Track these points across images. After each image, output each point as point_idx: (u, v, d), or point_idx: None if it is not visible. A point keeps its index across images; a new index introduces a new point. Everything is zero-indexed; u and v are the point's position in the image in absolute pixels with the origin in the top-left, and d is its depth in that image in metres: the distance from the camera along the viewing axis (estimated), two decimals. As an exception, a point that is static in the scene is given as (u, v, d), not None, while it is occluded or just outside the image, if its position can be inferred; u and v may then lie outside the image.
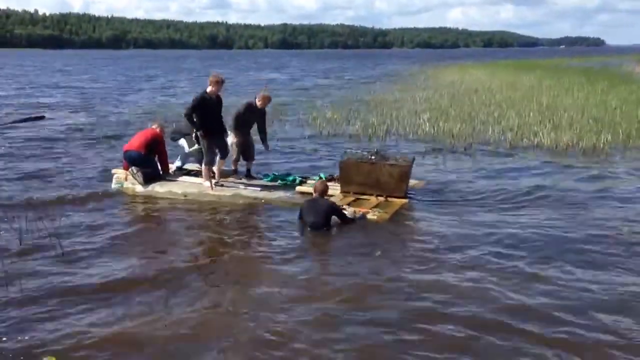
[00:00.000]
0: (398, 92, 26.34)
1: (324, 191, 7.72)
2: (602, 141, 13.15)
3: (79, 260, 6.44)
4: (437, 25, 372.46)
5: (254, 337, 4.78)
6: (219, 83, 8.92)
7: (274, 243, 7.10)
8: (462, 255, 6.57)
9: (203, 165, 9.13)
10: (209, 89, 8.91)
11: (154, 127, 9.72)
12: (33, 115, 11.94)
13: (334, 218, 7.54)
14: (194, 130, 9.00)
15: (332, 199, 8.25)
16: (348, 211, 7.85)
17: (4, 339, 4.72)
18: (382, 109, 19.51)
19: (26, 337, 4.73)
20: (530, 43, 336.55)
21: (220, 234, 7.47)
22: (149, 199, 9.03)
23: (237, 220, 8.06)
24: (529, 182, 10.04)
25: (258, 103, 9.66)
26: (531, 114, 17.11)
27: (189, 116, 8.83)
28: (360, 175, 8.65)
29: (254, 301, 5.46)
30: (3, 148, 13.20)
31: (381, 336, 4.79)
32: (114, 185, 9.49)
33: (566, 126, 14.92)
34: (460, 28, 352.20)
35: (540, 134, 14.00)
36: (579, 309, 5.23)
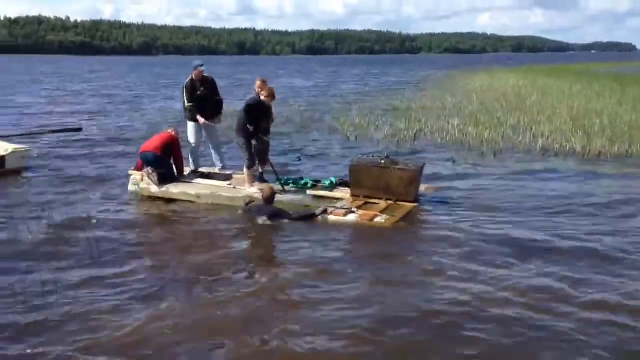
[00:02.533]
0: (426, 97, 26.20)
1: (269, 198, 8.18)
2: (636, 147, 12.88)
3: (110, 262, 6.49)
4: (465, 30, 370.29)
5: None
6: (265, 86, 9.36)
7: (282, 245, 7.20)
8: (463, 264, 6.45)
9: (245, 169, 9.24)
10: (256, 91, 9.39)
11: (170, 131, 9.95)
12: (71, 127, 12.27)
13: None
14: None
15: (342, 202, 8.45)
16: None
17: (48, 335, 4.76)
18: (410, 114, 19.41)
19: (62, 335, 4.76)
20: (560, 48, 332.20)
21: (231, 235, 7.58)
22: (163, 199, 9.19)
23: (249, 222, 8.09)
24: (559, 188, 9.88)
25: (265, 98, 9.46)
26: (562, 120, 16.86)
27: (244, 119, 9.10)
28: (370, 179, 8.67)
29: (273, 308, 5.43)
30: (37, 150, 13.41)
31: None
32: (130, 187, 9.69)
33: (598, 132, 14.67)
34: (489, 33, 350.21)
35: (572, 140, 13.78)
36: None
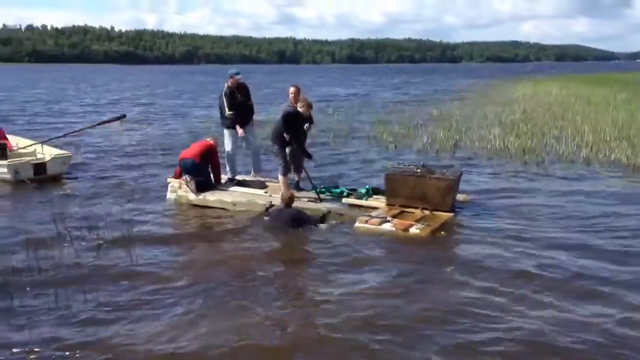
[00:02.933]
0: (467, 106, 25.95)
1: (288, 202, 8.36)
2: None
3: (148, 270, 6.57)
4: (507, 38, 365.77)
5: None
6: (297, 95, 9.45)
7: (318, 252, 7.22)
8: (496, 274, 6.35)
9: (280, 176, 9.32)
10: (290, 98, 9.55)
11: (208, 139, 10.12)
12: (114, 117, 12.66)
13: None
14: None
15: (377, 211, 8.42)
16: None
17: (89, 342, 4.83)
18: (450, 123, 19.21)
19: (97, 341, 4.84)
20: (605, 57, 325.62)
21: (267, 242, 7.64)
22: (200, 207, 9.31)
23: (283, 230, 8.10)
24: (602, 202, 9.54)
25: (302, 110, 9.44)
26: (607, 129, 16.48)
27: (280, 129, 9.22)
28: (405, 189, 8.62)
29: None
30: (80, 158, 13.71)
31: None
32: (169, 194, 9.86)
33: (645, 142, 14.28)
34: (532, 42, 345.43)
35: (617, 151, 13.45)
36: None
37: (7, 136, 12.66)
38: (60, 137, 13.86)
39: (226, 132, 10.22)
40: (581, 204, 9.47)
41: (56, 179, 11.34)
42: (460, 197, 9.16)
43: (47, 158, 11.61)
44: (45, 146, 12.46)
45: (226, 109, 9.98)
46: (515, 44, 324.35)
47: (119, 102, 33.67)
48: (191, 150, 9.84)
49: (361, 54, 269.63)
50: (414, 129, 18.24)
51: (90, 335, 5.01)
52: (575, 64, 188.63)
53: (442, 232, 7.87)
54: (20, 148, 12.53)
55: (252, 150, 10.39)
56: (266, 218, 8.45)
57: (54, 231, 7.81)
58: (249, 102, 10.15)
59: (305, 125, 9.42)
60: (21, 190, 10.68)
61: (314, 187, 9.33)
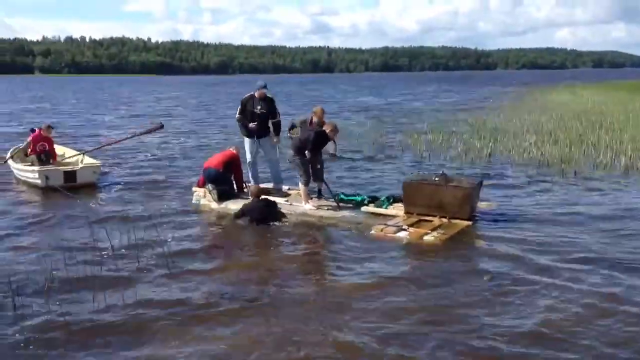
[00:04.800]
0: (502, 114, 25.64)
1: (257, 194, 9.08)
2: None
3: (182, 275, 6.63)
4: (543, 45, 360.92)
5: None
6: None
7: (336, 259, 7.27)
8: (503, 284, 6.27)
9: (301, 186, 9.37)
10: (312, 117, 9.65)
11: (231, 149, 10.33)
12: (153, 126, 13.03)
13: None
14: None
15: (395, 220, 8.50)
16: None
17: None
18: (485, 131, 19.02)
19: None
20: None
21: (284, 251, 7.70)
22: (222, 215, 9.44)
23: (301, 238, 8.21)
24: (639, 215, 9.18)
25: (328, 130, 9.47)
26: (647, 137, 16.12)
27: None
28: (423, 197, 8.60)
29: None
30: (117, 168, 14.02)
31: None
32: (193, 201, 10.10)
33: (686, 150, 13.93)
34: (568, 48, 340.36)
35: (658, 159, 13.14)
36: None
37: (55, 146, 13.05)
38: (99, 147, 14.21)
39: (245, 140, 10.35)
40: (618, 216, 9.13)
41: (87, 187, 11.58)
42: (482, 204, 9.13)
43: (78, 167, 11.89)
44: (86, 156, 12.86)
45: (237, 112, 10.22)
46: (552, 51, 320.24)
47: (150, 114, 34.19)
48: (214, 160, 10.07)
49: (395, 62, 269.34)
50: (448, 137, 18.10)
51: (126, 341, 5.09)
52: (613, 71, 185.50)
53: (451, 241, 7.80)
54: (66, 158, 12.96)
55: (270, 163, 10.47)
56: (239, 221, 8.82)
57: (89, 237, 8.01)
58: (270, 117, 10.11)
59: (332, 148, 9.66)
60: (52, 198, 10.96)
61: (334, 195, 9.40)
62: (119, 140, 15.10)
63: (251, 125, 9.97)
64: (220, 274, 6.81)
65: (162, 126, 13.16)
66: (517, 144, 16.14)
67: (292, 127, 10.15)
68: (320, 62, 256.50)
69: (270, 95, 10.29)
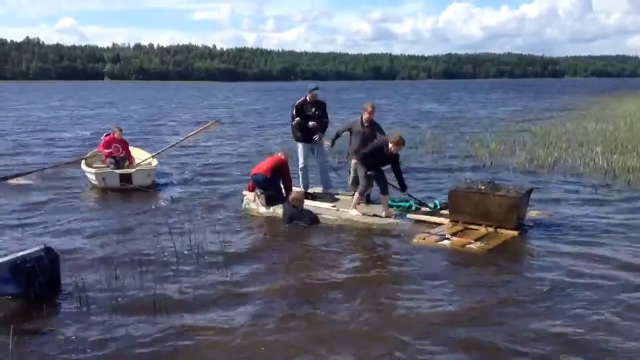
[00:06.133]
0: (569, 122, 25.05)
1: (297, 201, 9.32)
2: None
3: (242, 280, 6.81)
4: (613, 53, 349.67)
5: None
6: (399, 144, 9.15)
7: (379, 268, 7.35)
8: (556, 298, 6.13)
9: (357, 194, 9.45)
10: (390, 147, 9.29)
11: (279, 154, 10.37)
12: (208, 124, 13.56)
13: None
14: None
15: (439, 227, 8.59)
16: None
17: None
18: (549, 140, 18.65)
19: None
20: None
21: (327, 258, 7.73)
22: (269, 219, 9.63)
23: (343, 245, 8.29)
24: None
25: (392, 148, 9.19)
26: None
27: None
28: (469, 205, 8.55)
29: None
30: (176, 171, 14.45)
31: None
32: (243, 206, 10.28)
33: None
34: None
35: None
36: None
37: (131, 148, 13.66)
38: (165, 149, 14.71)
39: (299, 145, 10.50)
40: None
41: (143, 189, 11.98)
42: (533, 213, 9.05)
43: (133, 169, 12.37)
44: (155, 159, 13.42)
45: (294, 117, 10.34)
46: (622, 58, 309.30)
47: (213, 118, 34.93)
48: (262, 165, 10.17)
49: (458, 69, 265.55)
50: (511, 145, 17.82)
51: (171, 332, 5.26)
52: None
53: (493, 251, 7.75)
54: (141, 160, 13.49)
55: (321, 168, 10.62)
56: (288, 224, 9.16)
57: (153, 238, 8.37)
58: (324, 120, 10.31)
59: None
60: (110, 200, 11.56)
61: (421, 203, 9.52)
62: (182, 140, 15.51)
63: (311, 123, 10.14)
64: (267, 283, 6.83)
65: (218, 122, 13.54)
66: (582, 153, 15.77)
67: (337, 137, 10.28)
68: (382, 69, 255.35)
69: (320, 99, 10.42)
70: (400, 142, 9.07)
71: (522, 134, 21.20)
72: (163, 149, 14.73)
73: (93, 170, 12.41)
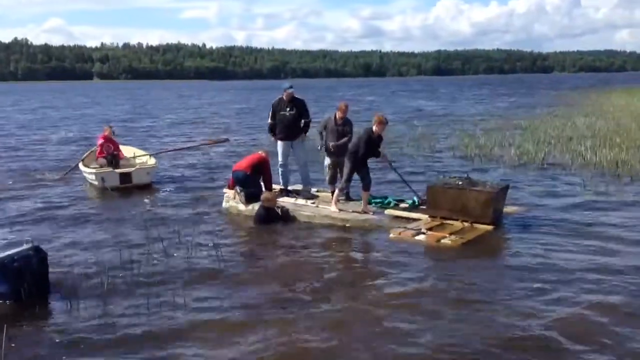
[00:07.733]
0: (557, 118, 25.16)
1: (264, 203, 9.28)
2: None
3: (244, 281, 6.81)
4: (602, 47, 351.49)
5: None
6: (383, 123, 9.22)
7: (355, 264, 7.51)
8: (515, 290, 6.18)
9: (337, 190, 9.54)
10: (374, 128, 9.24)
11: (260, 152, 10.42)
12: (220, 139, 13.70)
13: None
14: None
15: (416, 223, 8.66)
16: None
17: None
18: (539, 135, 18.71)
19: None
20: None
21: (307, 254, 7.78)
22: (248, 217, 9.64)
23: (322, 241, 8.37)
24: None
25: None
26: None
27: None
28: (447, 201, 8.63)
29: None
30: (171, 173, 14.40)
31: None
32: (224, 204, 10.34)
33: None
34: (628, 50, 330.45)
35: None
36: None
37: (125, 147, 13.80)
38: (166, 151, 14.86)
39: (278, 143, 10.49)
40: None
41: (142, 187, 12.06)
42: (510, 209, 9.14)
43: (133, 168, 12.34)
44: (152, 157, 13.49)
45: (269, 118, 10.45)
46: (611, 53, 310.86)
47: (208, 118, 34.81)
48: (243, 163, 10.21)
49: (448, 65, 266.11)
50: (501, 141, 17.86)
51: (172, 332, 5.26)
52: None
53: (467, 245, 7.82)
54: (133, 157, 13.56)
55: (300, 164, 10.62)
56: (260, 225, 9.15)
57: (144, 235, 8.41)
58: (301, 118, 10.28)
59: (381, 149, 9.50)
60: (109, 198, 11.54)
61: (419, 197, 9.54)
62: (186, 148, 15.58)
63: (278, 134, 10.29)
64: (245, 279, 6.86)
65: (227, 140, 13.66)
66: (571, 148, 15.84)
67: (321, 136, 10.25)
68: (372, 66, 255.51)
69: (298, 96, 10.47)
70: (384, 121, 9.21)
71: (511, 129, 21.23)
72: (163, 150, 14.78)
73: (93, 171, 12.38)
